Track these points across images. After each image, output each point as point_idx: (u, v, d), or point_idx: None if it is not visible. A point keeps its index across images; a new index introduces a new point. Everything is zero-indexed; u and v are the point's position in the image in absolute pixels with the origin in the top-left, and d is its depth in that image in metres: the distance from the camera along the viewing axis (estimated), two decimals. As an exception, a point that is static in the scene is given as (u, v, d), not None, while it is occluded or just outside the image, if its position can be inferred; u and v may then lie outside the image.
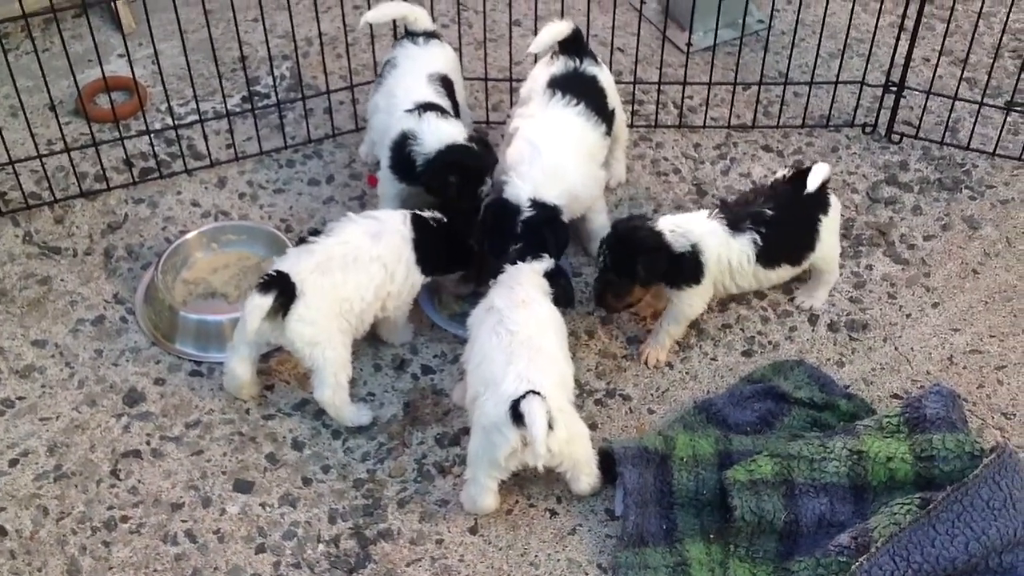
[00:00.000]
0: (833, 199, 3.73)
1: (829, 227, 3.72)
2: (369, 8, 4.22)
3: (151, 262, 3.90)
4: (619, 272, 3.54)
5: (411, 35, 3.94)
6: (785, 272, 3.71)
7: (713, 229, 3.58)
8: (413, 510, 3.37)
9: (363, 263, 3.46)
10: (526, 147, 3.70)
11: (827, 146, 4.37)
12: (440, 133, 3.67)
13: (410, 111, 3.71)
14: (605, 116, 3.84)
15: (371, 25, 4.00)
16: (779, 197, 3.64)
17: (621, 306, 3.67)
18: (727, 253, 3.57)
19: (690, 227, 3.57)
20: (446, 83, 3.87)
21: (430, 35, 3.94)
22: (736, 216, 3.60)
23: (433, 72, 3.85)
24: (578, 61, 3.85)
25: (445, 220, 3.61)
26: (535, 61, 4.02)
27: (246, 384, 3.54)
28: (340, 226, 3.54)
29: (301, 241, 3.56)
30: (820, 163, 3.65)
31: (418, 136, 3.68)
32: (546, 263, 3.52)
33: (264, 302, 3.31)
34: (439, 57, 3.93)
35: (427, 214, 3.60)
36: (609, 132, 3.88)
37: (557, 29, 3.83)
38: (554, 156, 3.67)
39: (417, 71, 3.83)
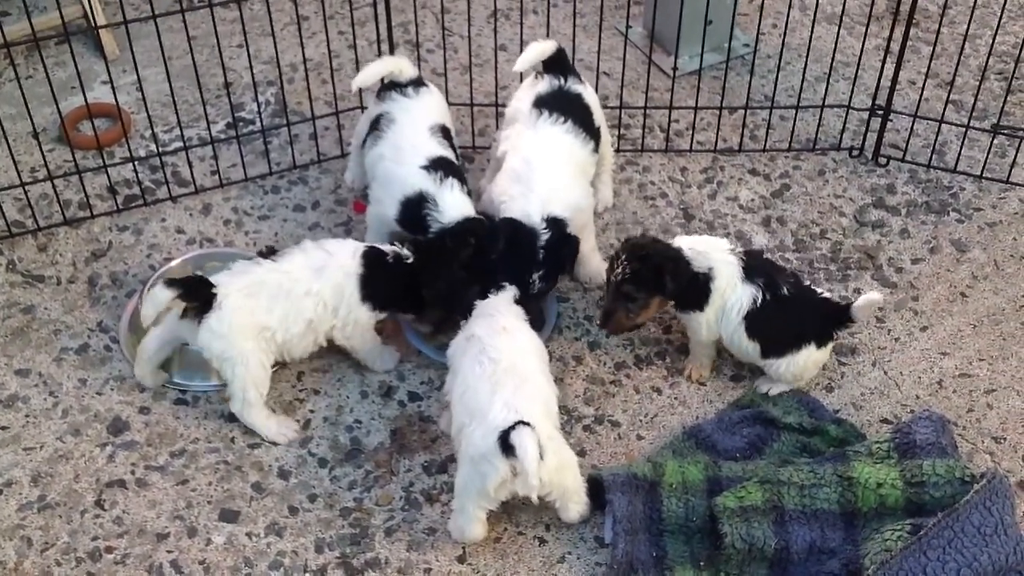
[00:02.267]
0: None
1: (822, 354, 3.62)
2: (354, 34, 4.24)
3: (136, 290, 3.88)
4: (640, 285, 3.48)
5: (397, 86, 3.90)
6: (753, 352, 3.57)
7: (728, 262, 3.53)
8: (401, 539, 3.34)
9: (296, 296, 3.46)
10: (521, 166, 3.69)
11: (814, 169, 4.37)
12: (462, 206, 3.66)
13: (427, 168, 3.69)
14: (592, 133, 3.85)
15: (356, 51, 3.98)
16: (805, 293, 3.58)
17: (630, 325, 3.60)
18: (729, 291, 3.52)
19: (708, 250, 3.53)
20: (445, 132, 3.87)
21: (418, 83, 3.93)
22: (755, 267, 3.54)
23: (433, 124, 3.83)
24: (563, 79, 3.86)
25: (409, 259, 3.56)
26: (520, 80, 4.02)
27: (146, 374, 3.60)
28: (290, 253, 3.53)
29: (260, 255, 3.57)
30: (874, 294, 3.57)
31: (438, 203, 3.65)
32: (513, 291, 3.50)
33: (163, 295, 3.33)
34: (434, 107, 3.92)
35: (387, 248, 3.57)
36: (597, 149, 3.89)
37: (541, 48, 3.85)
38: (550, 173, 3.67)
39: (418, 124, 3.81)
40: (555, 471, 3.13)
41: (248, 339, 3.41)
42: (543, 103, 3.81)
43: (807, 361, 3.58)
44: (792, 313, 3.54)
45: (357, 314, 3.54)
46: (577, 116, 3.81)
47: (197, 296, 3.38)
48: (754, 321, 3.52)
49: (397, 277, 3.56)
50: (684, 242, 3.56)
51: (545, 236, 3.61)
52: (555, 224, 3.63)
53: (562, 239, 3.65)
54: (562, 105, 3.80)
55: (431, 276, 3.57)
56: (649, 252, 3.49)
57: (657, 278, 3.46)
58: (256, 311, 3.42)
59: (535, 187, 3.64)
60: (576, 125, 3.79)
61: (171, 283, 3.35)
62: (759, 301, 3.50)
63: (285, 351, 3.52)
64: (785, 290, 3.53)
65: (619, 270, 3.50)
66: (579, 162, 3.80)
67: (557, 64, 3.88)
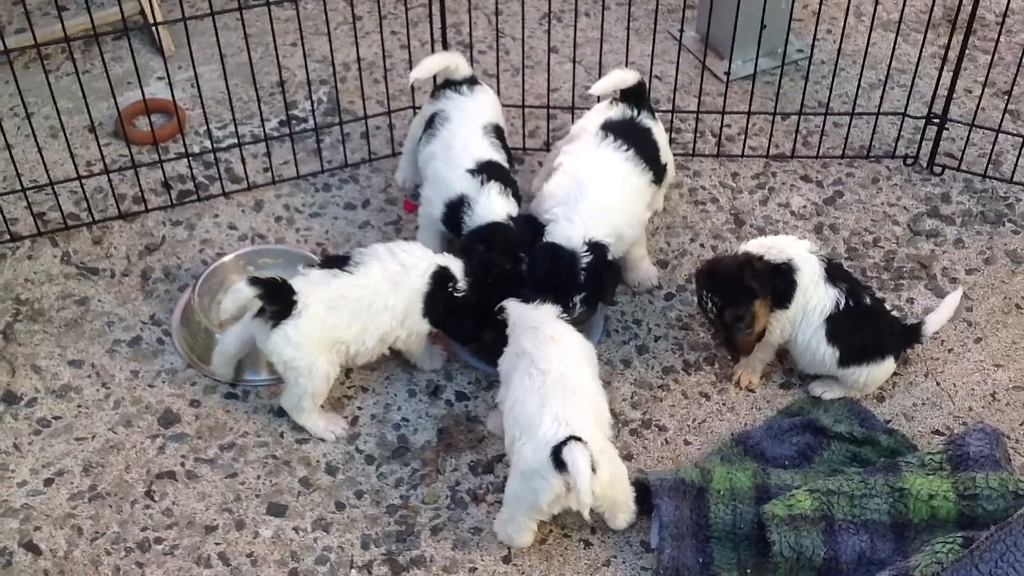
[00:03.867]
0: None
1: (888, 365, 3.61)
2: (408, 34, 4.26)
3: (188, 284, 3.91)
4: (735, 300, 3.45)
5: (452, 84, 3.91)
6: (829, 358, 3.53)
7: (809, 259, 3.49)
8: (446, 537, 3.34)
9: (375, 310, 3.44)
10: (571, 184, 3.66)
11: (867, 177, 4.33)
12: (492, 209, 3.65)
13: (472, 172, 3.69)
14: (655, 167, 3.81)
15: (409, 52, 3.99)
16: (881, 306, 3.59)
17: (756, 337, 3.55)
18: (812, 289, 3.47)
19: (781, 245, 3.50)
20: (498, 132, 3.87)
21: (472, 82, 3.94)
22: (838, 273, 3.52)
23: (487, 123, 3.84)
24: (635, 111, 3.83)
25: (466, 293, 3.52)
26: (597, 100, 3.99)
27: (223, 365, 3.61)
28: (366, 264, 3.47)
29: (327, 261, 3.55)
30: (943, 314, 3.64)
31: (473, 207, 3.66)
32: (554, 308, 3.44)
33: (246, 292, 3.31)
34: (488, 106, 3.92)
35: (456, 281, 3.51)
36: (657, 182, 3.85)
37: (622, 77, 3.82)
38: (600, 194, 3.63)
39: (471, 123, 3.82)
40: (607, 485, 3.10)
41: (320, 352, 3.40)
42: (610, 128, 3.77)
43: (886, 372, 3.59)
44: (874, 322, 3.53)
45: (420, 327, 3.54)
46: (642, 148, 3.76)
47: (278, 300, 3.35)
48: (836, 326, 3.48)
49: (456, 306, 3.53)
50: (750, 245, 3.53)
51: (586, 260, 3.56)
52: (596, 249, 3.58)
53: (603, 264, 3.60)
54: (629, 135, 3.76)
55: (483, 297, 3.53)
56: (716, 270, 3.49)
57: (741, 286, 3.43)
58: (338, 326, 3.40)
59: (580, 209, 3.59)
60: (638, 155, 3.74)
61: (254, 282, 3.32)
62: (842, 305, 3.47)
63: (352, 360, 3.52)
64: (867, 299, 3.52)
65: (708, 305, 3.49)
66: (634, 186, 3.74)
67: (634, 95, 3.84)
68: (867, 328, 3.52)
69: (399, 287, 3.47)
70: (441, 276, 3.52)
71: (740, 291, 3.44)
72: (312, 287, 3.41)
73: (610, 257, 3.65)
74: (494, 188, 3.68)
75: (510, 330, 3.41)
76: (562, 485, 3.02)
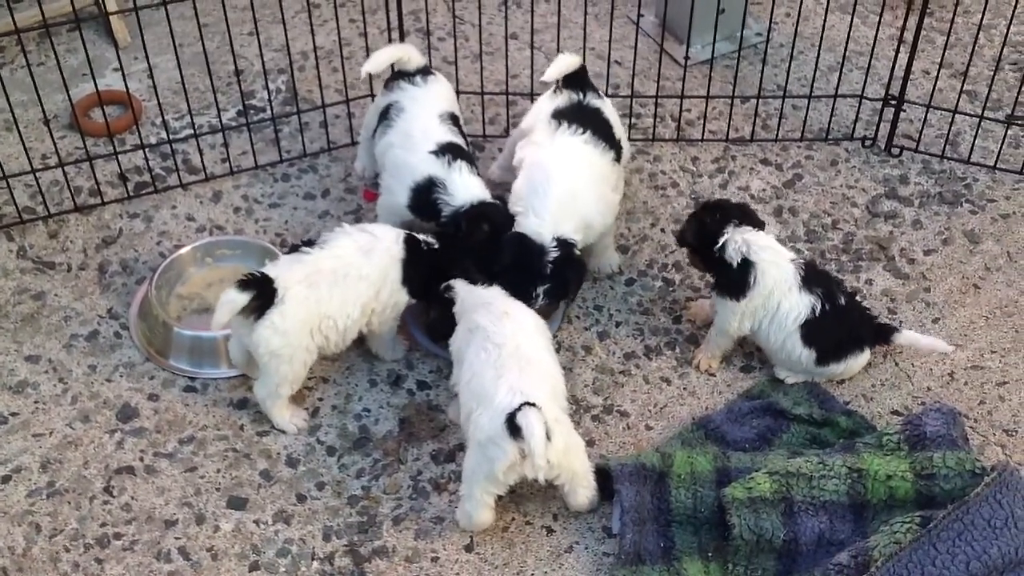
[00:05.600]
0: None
1: (862, 359, 3.63)
2: (365, 22, 4.23)
3: (145, 277, 3.88)
4: (686, 228, 3.63)
5: (406, 75, 3.90)
6: (806, 358, 3.54)
7: (784, 266, 3.51)
8: (408, 527, 3.34)
9: (352, 280, 3.43)
10: (538, 175, 3.65)
11: (826, 160, 4.35)
12: (472, 189, 3.67)
13: (436, 153, 3.69)
14: (613, 144, 3.81)
15: (367, 39, 3.97)
16: (854, 300, 3.62)
17: (683, 245, 3.75)
18: (781, 296, 3.50)
19: (757, 245, 3.51)
20: (455, 120, 3.87)
21: (425, 72, 3.92)
22: (814, 279, 3.53)
23: (443, 112, 3.84)
24: (582, 94, 3.82)
25: (436, 247, 3.56)
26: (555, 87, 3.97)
27: (243, 365, 3.56)
28: (334, 238, 3.50)
29: (293, 249, 3.52)
30: (940, 345, 3.66)
31: (447, 186, 3.65)
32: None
33: (239, 299, 3.28)
34: (443, 95, 3.92)
35: (421, 237, 3.57)
36: (618, 159, 3.85)
37: (568, 61, 3.81)
38: (567, 184, 3.62)
39: (428, 112, 3.81)
40: (563, 453, 3.12)
41: (306, 335, 3.39)
42: (562, 115, 3.76)
43: (862, 363, 3.63)
44: (850, 320, 3.55)
45: (398, 297, 3.54)
46: (596, 128, 3.76)
47: (259, 292, 3.33)
48: (812, 329, 3.51)
49: (431, 264, 3.55)
50: (741, 233, 3.52)
51: (553, 254, 3.57)
52: (564, 245, 3.59)
53: (568, 260, 3.60)
54: (581, 118, 3.76)
55: (452, 263, 3.56)
56: (707, 204, 3.65)
57: (688, 226, 3.61)
58: (320, 301, 3.38)
59: (548, 203, 3.59)
60: (595, 136, 3.75)
61: (243, 285, 3.29)
62: (818, 310, 3.50)
63: (334, 343, 3.49)
64: (842, 299, 3.54)
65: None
66: (599, 171, 3.75)
67: (577, 79, 3.84)
68: (842, 327, 3.54)
69: (372, 255, 3.47)
70: (413, 242, 3.53)
71: (689, 228, 3.62)
72: (287, 270, 3.39)
73: (577, 253, 3.64)
74: (464, 167, 3.68)
75: (459, 308, 3.43)
76: (517, 452, 3.05)
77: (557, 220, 3.59)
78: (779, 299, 3.51)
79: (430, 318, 3.66)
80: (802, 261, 3.57)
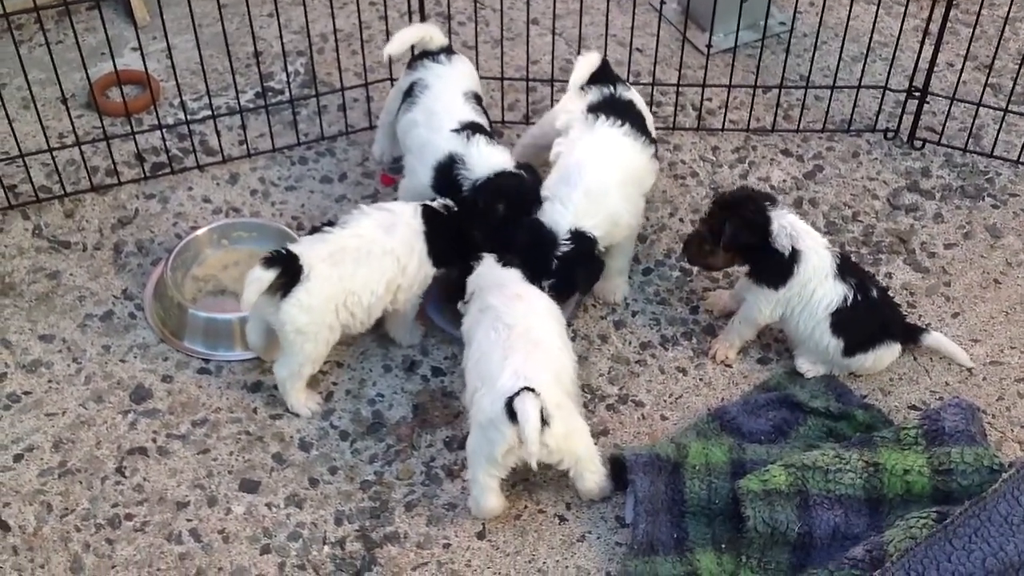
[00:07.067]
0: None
1: (891, 352, 3.60)
2: (385, 5, 4.21)
3: (161, 258, 3.87)
4: (711, 228, 3.49)
5: (429, 54, 3.87)
6: (833, 347, 3.51)
7: (822, 254, 3.48)
8: (420, 513, 3.32)
9: (376, 256, 3.43)
10: (571, 166, 3.59)
11: (848, 151, 4.31)
12: (490, 159, 3.61)
13: (457, 131, 3.66)
14: (650, 138, 3.75)
15: (387, 23, 3.95)
16: (887, 302, 3.59)
17: (700, 262, 3.63)
18: (817, 284, 3.47)
19: (803, 234, 3.47)
20: (478, 100, 3.84)
21: (448, 51, 3.89)
22: (848, 270, 3.50)
23: (467, 91, 3.81)
24: (612, 88, 3.77)
25: (456, 209, 3.55)
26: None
27: (259, 348, 3.55)
28: (353, 218, 3.49)
29: (314, 230, 3.52)
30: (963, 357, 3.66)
31: (466, 161, 3.61)
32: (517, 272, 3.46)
33: (265, 276, 3.26)
34: (467, 74, 3.90)
35: (438, 203, 3.55)
36: (656, 154, 3.78)
37: (590, 61, 3.76)
38: (599, 177, 3.56)
39: (452, 90, 3.79)
40: (563, 438, 3.11)
41: (331, 312, 3.38)
42: (598, 108, 3.70)
43: (892, 355, 3.59)
44: (880, 314, 3.53)
45: (426, 270, 3.53)
46: (633, 120, 3.71)
47: (285, 270, 3.31)
48: (842, 319, 3.47)
49: (453, 228, 3.53)
50: (782, 216, 3.47)
51: (564, 248, 3.50)
52: (580, 239, 3.52)
53: (583, 256, 3.53)
54: (616, 110, 3.70)
55: (475, 223, 3.54)
56: (730, 200, 3.51)
57: (720, 225, 3.46)
58: (344, 278, 3.38)
59: (574, 195, 3.53)
60: (634, 128, 3.69)
61: (268, 262, 3.28)
62: (850, 300, 3.46)
63: (360, 320, 3.48)
64: (875, 292, 3.52)
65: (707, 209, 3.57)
66: (636, 169, 3.68)
67: (603, 75, 3.79)
68: (873, 319, 3.51)
69: (393, 230, 3.46)
70: (430, 212, 3.52)
71: (719, 227, 3.47)
72: (310, 249, 3.39)
73: (596, 249, 3.57)
74: (482, 140, 3.64)
75: (473, 286, 3.42)
76: (515, 436, 3.04)
77: (581, 212, 3.52)
78: (815, 287, 3.47)
79: (454, 277, 3.60)
80: (837, 250, 3.54)
